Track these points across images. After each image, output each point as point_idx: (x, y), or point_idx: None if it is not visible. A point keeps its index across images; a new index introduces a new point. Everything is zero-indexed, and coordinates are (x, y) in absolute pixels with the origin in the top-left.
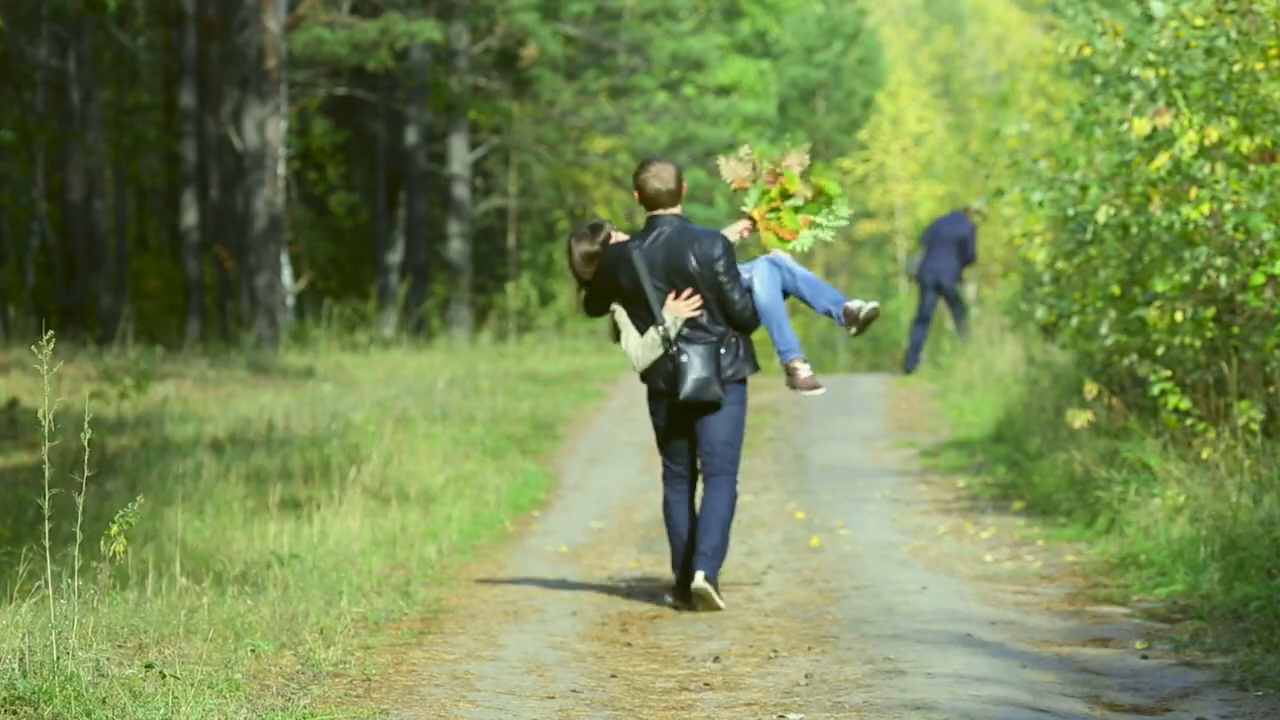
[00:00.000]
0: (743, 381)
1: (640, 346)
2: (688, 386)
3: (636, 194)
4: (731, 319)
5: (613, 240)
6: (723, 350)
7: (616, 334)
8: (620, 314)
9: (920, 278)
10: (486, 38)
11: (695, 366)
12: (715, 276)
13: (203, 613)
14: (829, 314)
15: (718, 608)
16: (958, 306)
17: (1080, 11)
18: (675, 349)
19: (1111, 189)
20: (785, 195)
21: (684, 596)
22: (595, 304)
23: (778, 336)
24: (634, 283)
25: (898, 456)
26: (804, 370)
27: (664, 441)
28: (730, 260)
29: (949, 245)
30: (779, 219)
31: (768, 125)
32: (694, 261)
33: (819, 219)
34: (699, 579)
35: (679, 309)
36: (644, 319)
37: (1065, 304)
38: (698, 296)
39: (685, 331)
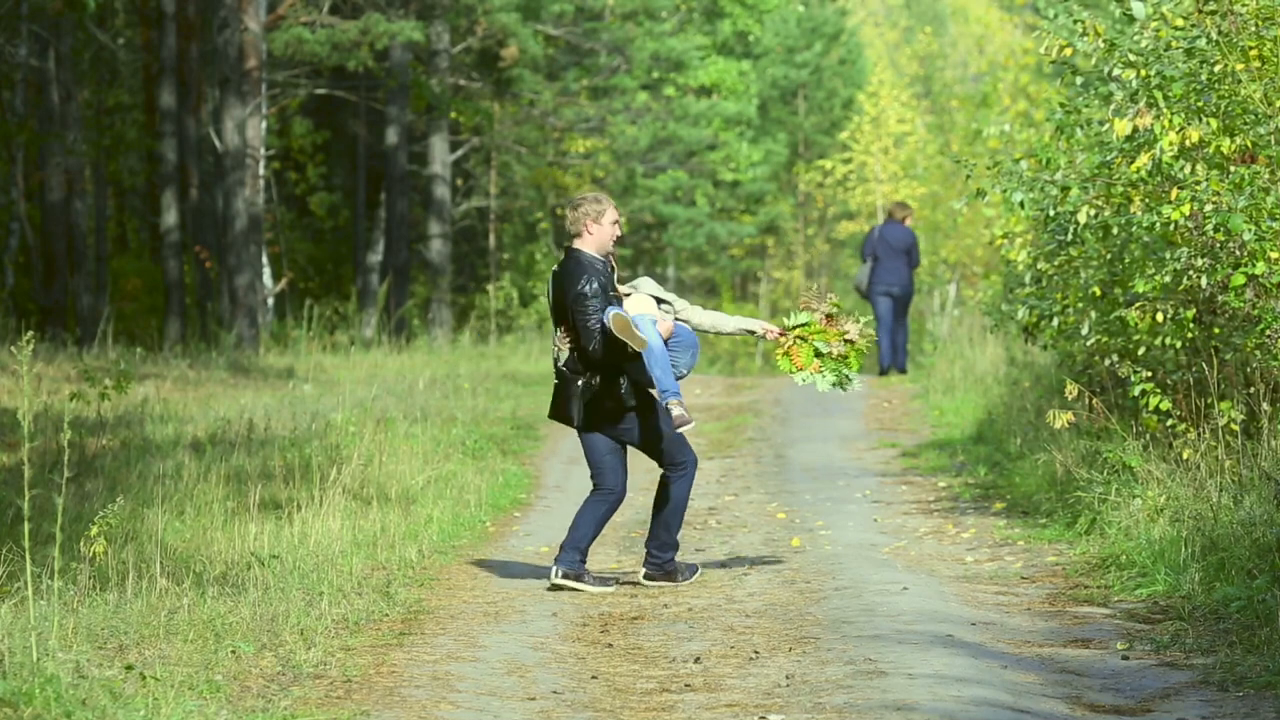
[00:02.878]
0: None
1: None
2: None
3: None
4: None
5: None
6: None
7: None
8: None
9: (871, 291)
10: (467, 38)
11: None
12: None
13: (183, 614)
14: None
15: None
16: (904, 331)
17: (1061, 12)
18: None
19: (1092, 190)
20: (821, 336)
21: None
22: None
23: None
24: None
25: (879, 457)
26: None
27: None
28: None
29: (898, 255)
30: (801, 347)
31: (748, 126)
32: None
33: (825, 373)
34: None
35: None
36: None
37: (1046, 305)
38: None
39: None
